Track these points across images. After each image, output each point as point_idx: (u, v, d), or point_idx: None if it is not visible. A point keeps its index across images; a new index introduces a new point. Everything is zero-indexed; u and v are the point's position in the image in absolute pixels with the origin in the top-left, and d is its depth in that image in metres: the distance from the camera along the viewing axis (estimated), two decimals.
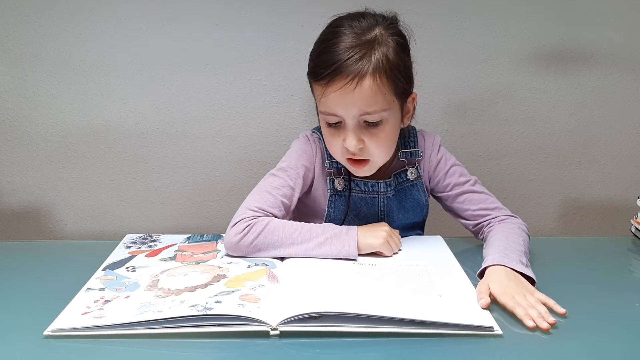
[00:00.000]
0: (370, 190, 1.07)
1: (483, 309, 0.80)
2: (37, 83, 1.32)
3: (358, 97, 0.91)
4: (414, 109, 1.03)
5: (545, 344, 0.74)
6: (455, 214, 1.10)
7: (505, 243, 0.95)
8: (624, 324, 0.79)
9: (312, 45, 1.00)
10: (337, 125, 0.97)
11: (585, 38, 1.36)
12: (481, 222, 1.06)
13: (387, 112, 0.95)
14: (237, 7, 1.30)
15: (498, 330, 0.75)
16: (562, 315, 0.79)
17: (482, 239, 1.04)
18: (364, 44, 0.92)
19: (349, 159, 1.00)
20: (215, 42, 1.32)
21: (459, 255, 1.00)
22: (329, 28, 0.98)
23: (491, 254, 0.92)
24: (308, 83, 1.01)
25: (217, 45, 1.32)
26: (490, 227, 1.03)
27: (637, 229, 1.13)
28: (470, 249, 1.07)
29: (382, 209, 1.08)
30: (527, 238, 1.00)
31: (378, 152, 0.98)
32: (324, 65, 0.92)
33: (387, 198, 1.08)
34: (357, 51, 0.91)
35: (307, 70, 1.00)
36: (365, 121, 0.95)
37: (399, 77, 0.95)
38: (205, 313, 0.75)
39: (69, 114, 1.35)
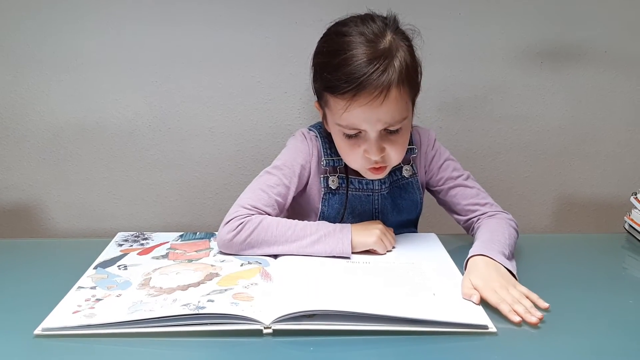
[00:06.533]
0: (365, 187, 1.06)
1: (476, 304, 0.80)
2: (29, 80, 1.31)
3: (385, 110, 0.90)
4: None
5: (540, 341, 0.74)
6: (448, 208, 1.11)
7: (489, 236, 0.95)
8: (618, 321, 0.79)
9: (315, 44, 0.99)
10: (356, 136, 0.95)
11: (578, 36, 1.36)
12: (471, 218, 1.06)
13: (406, 119, 0.95)
14: (231, 4, 1.29)
15: (492, 328, 0.75)
16: (546, 310, 0.79)
17: (473, 235, 1.04)
18: (383, 54, 0.89)
19: (369, 167, 0.98)
20: (208, 39, 1.31)
21: (453, 252, 1.00)
22: (336, 36, 0.94)
23: (474, 247, 0.93)
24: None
25: (210, 43, 1.31)
26: (479, 222, 1.03)
27: (630, 226, 1.13)
28: (464, 246, 1.06)
29: (377, 207, 1.08)
30: (513, 232, 1.00)
31: (397, 157, 0.98)
32: (347, 80, 0.89)
33: (381, 196, 1.07)
34: (380, 62, 0.88)
35: (315, 80, 0.99)
36: (386, 129, 0.94)
37: (416, 81, 0.95)
38: (197, 312, 0.74)
39: (61, 111, 1.33)
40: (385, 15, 0.96)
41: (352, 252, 0.96)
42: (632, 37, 1.37)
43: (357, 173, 1.05)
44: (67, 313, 0.76)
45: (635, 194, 1.14)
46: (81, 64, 1.30)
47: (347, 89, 0.89)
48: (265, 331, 0.73)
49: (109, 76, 1.32)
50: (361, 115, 0.91)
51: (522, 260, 0.97)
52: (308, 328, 0.73)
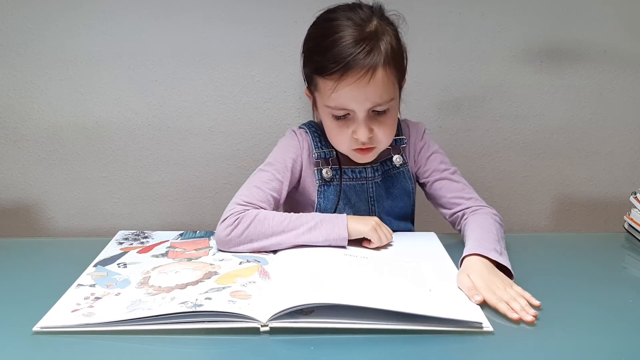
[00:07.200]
0: (359, 176, 1.08)
1: (477, 304, 0.80)
2: (27, 78, 1.31)
3: (372, 89, 0.93)
4: None
5: (537, 340, 0.74)
6: (434, 201, 1.12)
7: (479, 233, 0.96)
8: (617, 320, 0.79)
9: (305, 36, 1.01)
10: (345, 118, 0.98)
11: (578, 35, 1.36)
12: (456, 212, 1.07)
13: (393, 100, 0.97)
14: (230, 2, 1.29)
15: (488, 327, 0.75)
16: (538, 307, 0.80)
17: (459, 230, 1.05)
18: (369, 35, 0.93)
19: (356, 149, 1.01)
20: (208, 38, 1.31)
21: (453, 251, 0.99)
22: (324, 22, 0.98)
23: (467, 245, 0.94)
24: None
25: (209, 42, 1.31)
26: (465, 219, 1.04)
27: (630, 225, 1.13)
28: (463, 245, 1.06)
29: (371, 194, 1.09)
30: (499, 227, 1.01)
31: (385, 139, 1.01)
32: (335, 60, 0.92)
33: (375, 184, 1.09)
34: (366, 43, 0.92)
35: (305, 65, 1.01)
36: (373, 110, 0.96)
37: (401, 64, 0.99)
38: (194, 310, 0.74)
39: (61, 110, 1.34)
40: (372, 5, 1.00)
41: (348, 240, 0.96)
42: (631, 37, 1.37)
43: (349, 162, 1.06)
44: (66, 311, 0.77)
45: (635, 194, 1.14)
46: (80, 62, 1.31)
47: (334, 69, 0.92)
48: (262, 329, 0.73)
49: (109, 75, 1.32)
50: (349, 95, 0.93)
51: (521, 259, 0.97)
52: (304, 326, 0.73)
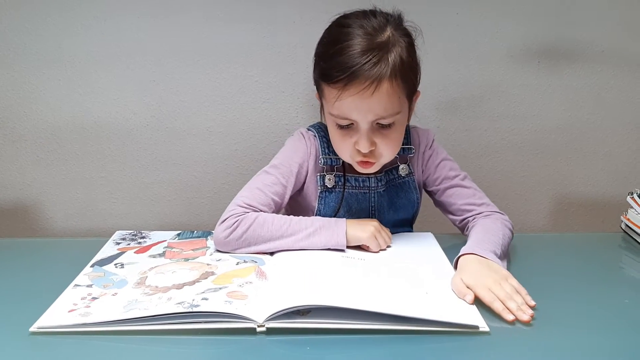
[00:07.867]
0: (362, 185, 1.07)
1: (470, 303, 0.80)
2: (25, 79, 1.31)
3: (376, 101, 0.90)
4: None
5: (534, 339, 0.74)
6: (444, 208, 1.10)
7: (482, 235, 0.95)
8: (613, 321, 0.79)
9: (313, 43, 0.99)
10: (348, 127, 0.96)
11: (576, 35, 1.36)
12: (467, 218, 1.06)
13: (400, 114, 0.95)
14: (229, 2, 1.29)
15: (484, 328, 0.75)
16: (532, 308, 0.79)
17: (467, 234, 1.04)
18: (379, 46, 0.90)
19: (358, 160, 0.99)
20: (206, 38, 1.31)
21: (450, 252, 0.99)
22: (337, 27, 0.96)
23: (466, 245, 0.93)
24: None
25: (208, 41, 1.31)
26: (474, 221, 1.03)
27: (627, 225, 1.13)
28: (461, 245, 1.06)
29: (373, 204, 1.08)
30: (508, 233, 1.00)
31: (388, 153, 0.98)
32: (340, 69, 0.90)
33: (377, 194, 1.07)
34: (374, 54, 0.89)
35: (314, 70, 0.99)
36: (377, 123, 0.94)
37: (411, 78, 0.95)
38: (191, 310, 0.74)
39: (59, 111, 1.34)
40: (390, 12, 0.97)
41: (346, 246, 0.96)
42: (629, 37, 1.37)
43: (354, 171, 1.05)
44: (63, 311, 0.77)
45: (632, 194, 1.14)
46: (78, 62, 1.30)
47: (339, 77, 0.90)
48: (258, 329, 0.73)
49: (107, 75, 1.32)
50: (352, 105, 0.91)
51: (519, 259, 0.97)
52: (301, 327, 0.73)
